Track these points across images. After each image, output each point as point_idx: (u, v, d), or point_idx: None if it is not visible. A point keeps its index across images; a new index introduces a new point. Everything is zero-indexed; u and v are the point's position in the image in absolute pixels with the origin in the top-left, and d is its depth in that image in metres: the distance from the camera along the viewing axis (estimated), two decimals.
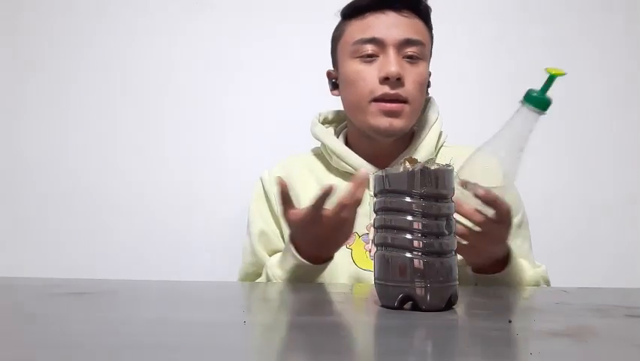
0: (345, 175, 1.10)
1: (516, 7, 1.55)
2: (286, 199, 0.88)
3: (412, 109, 1.05)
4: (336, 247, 0.92)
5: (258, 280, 1.07)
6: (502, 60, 1.53)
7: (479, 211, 0.83)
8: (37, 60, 1.55)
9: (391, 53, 1.03)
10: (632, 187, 1.52)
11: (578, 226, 1.49)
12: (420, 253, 0.64)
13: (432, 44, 1.10)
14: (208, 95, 1.54)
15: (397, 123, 1.04)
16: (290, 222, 0.90)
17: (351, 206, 0.83)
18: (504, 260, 0.92)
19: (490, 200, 0.81)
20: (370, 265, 1.00)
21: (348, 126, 1.16)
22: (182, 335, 0.54)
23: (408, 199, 0.64)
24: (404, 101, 1.03)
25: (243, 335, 0.57)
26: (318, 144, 1.16)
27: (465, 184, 0.82)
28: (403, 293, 0.64)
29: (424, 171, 0.64)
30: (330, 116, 1.18)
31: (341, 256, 1.02)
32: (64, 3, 1.56)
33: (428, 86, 1.11)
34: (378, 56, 1.04)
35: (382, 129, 1.04)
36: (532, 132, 0.82)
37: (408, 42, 1.04)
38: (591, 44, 1.54)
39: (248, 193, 1.17)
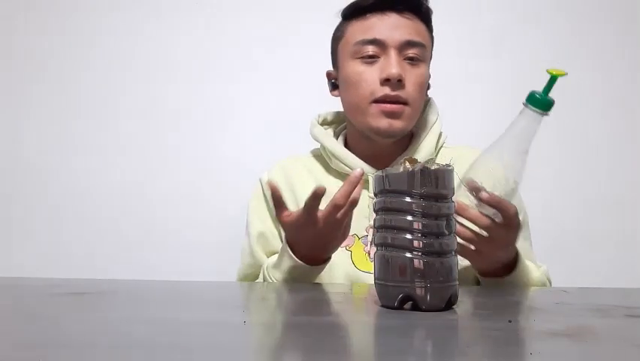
0: (345, 177, 1.09)
1: (516, 8, 1.55)
2: (278, 202, 0.87)
3: (412, 111, 1.05)
4: (333, 248, 0.92)
5: (256, 282, 1.07)
6: (501, 61, 1.54)
7: (485, 216, 0.82)
8: (37, 60, 1.55)
9: (392, 54, 1.03)
10: (632, 187, 1.52)
11: (578, 226, 1.49)
12: (420, 253, 0.64)
13: (432, 46, 1.10)
14: (208, 96, 1.54)
15: (397, 125, 1.04)
16: (284, 225, 0.90)
17: (345, 207, 0.83)
18: (511, 263, 0.91)
19: (494, 204, 0.81)
20: (370, 267, 1.00)
21: (347, 127, 1.15)
22: (182, 335, 0.54)
23: (408, 199, 0.64)
24: (404, 102, 1.03)
25: (242, 335, 0.57)
26: (318, 146, 1.16)
27: (472, 188, 0.81)
28: (403, 293, 0.64)
29: (424, 171, 0.64)
30: (329, 118, 1.18)
31: (340, 258, 1.02)
32: (64, 3, 1.56)
33: (427, 88, 1.11)
34: (379, 57, 1.04)
35: (382, 130, 1.04)
36: (535, 134, 0.82)
37: (409, 44, 1.04)
38: (590, 45, 1.54)
39: (247, 194, 1.17)
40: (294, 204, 1.09)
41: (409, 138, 1.12)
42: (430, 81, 1.10)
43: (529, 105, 0.81)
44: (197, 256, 1.47)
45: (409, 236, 0.64)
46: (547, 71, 0.81)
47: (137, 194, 1.51)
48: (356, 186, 0.83)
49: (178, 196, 1.51)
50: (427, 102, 1.13)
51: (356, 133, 1.11)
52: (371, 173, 1.06)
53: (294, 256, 0.91)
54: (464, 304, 0.71)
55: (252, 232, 1.11)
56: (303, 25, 1.51)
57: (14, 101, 1.55)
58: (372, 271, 0.68)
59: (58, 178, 1.52)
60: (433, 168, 0.64)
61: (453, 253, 0.66)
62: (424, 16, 1.07)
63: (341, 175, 1.10)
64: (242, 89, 1.53)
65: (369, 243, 1.05)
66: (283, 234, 1.04)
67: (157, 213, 1.51)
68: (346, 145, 1.14)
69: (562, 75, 0.81)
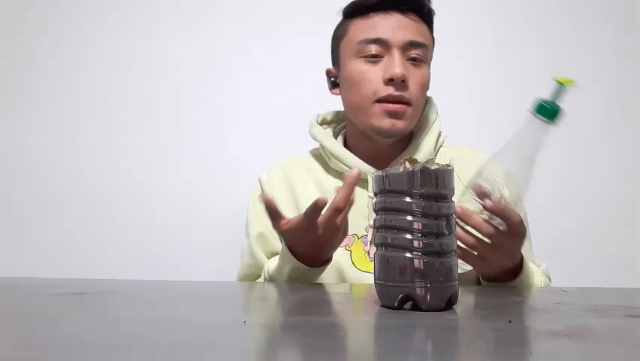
0: (344, 176, 1.09)
1: (516, 9, 1.55)
2: (274, 213, 0.87)
3: (414, 111, 1.05)
4: (333, 248, 0.91)
5: (256, 282, 1.07)
6: (501, 61, 1.54)
7: (489, 223, 0.82)
8: (37, 60, 1.55)
9: (396, 54, 1.02)
10: (632, 187, 1.52)
11: (578, 226, 1.49)
12: (420, 253, 0.63)
13: (433, 48, 1.10)
14: (208, 96, 1.54)
15: (399, 125, 1.04)
16: (283, 233, 0.89)
17: (345, 209, 0.83)
18: (515, 269, 0.91)
19: (498, 211, 0.81)
20: (369, 266, 1.00)
21: (347, 127, 1.15)
22: (182, 335, 0.54)
23: (408, 199, 0.64)
24: (407, 103, 1.03)
25: (242, 335, 0.57)
26: (317, 145, 1.16)
27: (479, 193, 0.81)
28: (403, 293, 0.64)
29: (424, 171, 0.64)
30: (328, 117, 1.18)
31: (340, 257, 1.02)
32: (64, 3, 1.56)
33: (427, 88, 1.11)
34: (382, 57, 1.04)
35: (385, 130, 1.04)
36: (542, 142, 0.81)
37: (412, 44, 1.04)
38: (590, 45, 1.54)
39: (247, 194, 1.17)
40: (294, 204, 1.09)
41: (408, 138, 1.12)
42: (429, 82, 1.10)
43: (536, 114, 0.80)
44: (197, 256, 1.47)
45: (409, 236, 0.64)
46: (555, 79, 0.80)
47: (137, 194, 1.51)
48: (353, 188, 0.83)
49: (178, 196, 1.51)
50: (426, 101, 1.13)
51: (356, 132, 1.11)
52: (370, 173, 1.06)
53: (294, 258, 0.91)
54: (464, 304, 0.71)
55: (251, 232, 1.11)
56: (303, 25, 1.51)
57: (14, 101, 1.55)
58: (372, 271, 0.68)
59: (58, 178, 1.52)
60: (433, 168, 0.64)
61: (453, 253, 0.66)
62: (426, 17, 1.07)
63: (340, 175, 1.10)
64: (242, 89, 1.53)
65: (368, 242, 1.05)
66: None
67: (157, 213, 1.51)
68: (345, 145, 1.14)
69: (569, 84, 0.79)
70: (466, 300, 0.75)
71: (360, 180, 1.06)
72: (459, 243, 0.83)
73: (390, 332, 0.57)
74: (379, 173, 0.67)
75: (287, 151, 1.21)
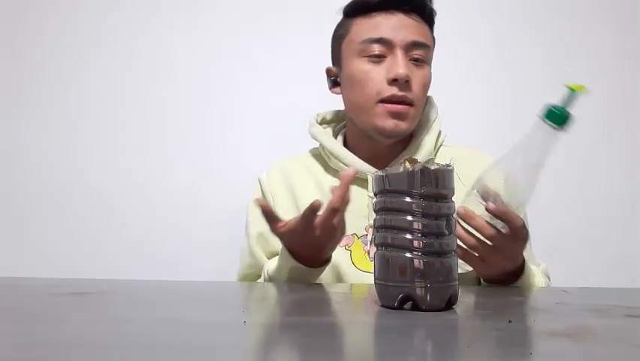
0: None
1: (516, 9, 1.55)
2: (270, 217, 0.86)
3: (416, 112, 1.05)
4: (331, 249, 0.91)
5: (256, 282, 1.07)
6: (501, 61, 1.54)
7: (491, 225, 0.82)
8: (37, 60, 1.55)
9: (399, 54, 1.02)
10: (632, 187, 1.52)
11: (578, 226, 1.49)
12: (420, 253, 0.63)
13: (434, 48, 1.10)
14: (208, 96, 1.54)
15: (403, 125, 1.04)
16: (280, 236, 0.89)
17: (342, 209, 0.82)
18: (517, 271, 0.91)
19: (500, 214, 0.81)
20: (370, 266, 1.00)
21: (347, 126, 1.15)
22: (182, 334, 0.54)
23: (408, 199, 0.64)
24: (410, 103, 1.03)
25: (243, 335, 0.57)
26: (317, 145, 1.16)
27: (484, 194, 0.81)
28: (403, 293, 0.64)
29: (424, 171, 0.64)
30: (328, 117, 1.18)
31: (340, 257, 1.01)
32: (64, 3, 1.56)
33: None
34: (385, 57, 1.03)
35: (388, 131, 1.04)
36: (550, 148, 0.81)
37: (415, 44, 1.04)
38: (590, 45, 1.54)
39: (247, 194, 1.17)
40: (293, 203, 1.09)
41: (408, 137, 1.12)
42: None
43: (545, 119, 0.80)
44: (197, 256, 1.47)
45: (409, 236, 0.64)
46: (567, 85, 0.80)
47: (137, 194, 1.51)
48: (349, 187, 0.82)
49: (178, 196, 1.51)
50: (426, 101, 1.13)
51: (356, 132, 1.11)
52: (370, 172, 1.06)
53: (293, 259, 0.91)
54: (464, 304, 0.71)
55: (251, 232, 1.11)
56: (303, 25, 1.51)
57: (14, 101, 1.55)
58: (372, 271, 0.68)
59: (58, 178, 1.52)
60: (433, 168, 0.64)
61: (453, 253, 0.66)
62: (427, 17, 1.07)
63: (339, 174, 1.09)
64: (242, 89, 1.53)
65: (368, 242, 1.04)
66: None
67: (157, 213, 1.51)
68: (345, 144, 1.13)
69: (581, 90, 0.78)
70: (466, 300, 0.75)
71: (360, 180, 1.07)
72: (460, 243, 0.83)
73: (390, 332, 0.57)
74: (379, 173, 0.67)
75: (287, 151, 1.21)
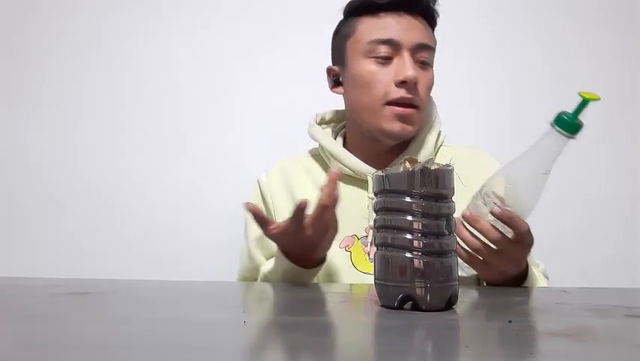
0: (343, 177, 1.08)
1: (516, 9, 1.55)
2: (262, 220, 0.86)
3: (422, 114, 1.06)
4: (325, 249, 0.91)
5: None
6: (501, 61, 1.53)
7: (496, 229, 0.82)
8: (37, 60, 1.55)
9: (406, 56, 1.02)
10: (632, 187, 1.52)
11: (578, 226, 1.49)
12: (420, 253, 0.63)
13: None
14: (208, 96, 1.54)
15: (409, 129, 1.04)
16: (272, 238, 0.89)
17: (331, 207, 0.82)
18: (521, 275, 0.90)
19: (505, 219, 0.81)
20: (370, 267, 1.00)
21: (347, 126, 1.15)
22: (182, 334, 0.54)
23: (408, 199, 0.64)
24: (417, 106, 1.03)
25: (243, 335, 0.57)
26: (317, 145, 1.16)
27: (486, 199, 0.82)
28: (403, 293, 0.64)
29: (424, 171, 0.64)
30: (327, 117, 1.17)
31: (340, 259, 1.01)
32: (64, 3, 1.56)
33: None
34: (392, 58, 1.03)
35: (394, 133, 1.04)
36: (558, 155, 0.81)
37: (421, 46, 1.03)
38: (590, 45, 1.54)
39: (247, 194, 1.17)
40: (293, 205, 1.09)
41: (409, 138, 1.11)
42: None
43: (556, 126, 0.80)
44: (197, 256, 1.47)
45: (409, 236, 0.64)
46: (579, 93, 0.80)
47: (137, 194, 1.51)
48: (336, 184, 0.82)
49: (178, 196, 1.51)
50: None
51: (357, 133, 1.11)
52: (370, 173, 1.05)
53: (287, 260, 0.90)
54: (464, 304, 0.71)
55: (250, 235, 1.10)
56: (303, 25, 1.51)
57: (14, 101, 1.55)
58: (372, 272, 0.68)
59: (58, 178, 1.52)
60: (433, 168, 0.64)
61: (453, 253, 0.66)
62: (432, 20, 1.07)
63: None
64: (242, 89, 1.53)
65: (369, 244, 1.04)
66: None
67: (157, 213, 1.51)
68: (345, 144, 1.13)
69: (594, 99, 0.79)
70: (466, 300, 0.75)
71: (360, 182, 1.07)
72: (465, 246, 0.83)
73: (390, 332, 0.57)
74: (379, 173, 0.67)
75: (287, 151, 1.21)
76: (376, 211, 0.67)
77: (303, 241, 0.86)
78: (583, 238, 1.48)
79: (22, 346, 0.50)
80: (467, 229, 0.83)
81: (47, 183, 1.52)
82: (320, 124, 1.16)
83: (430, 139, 1.10)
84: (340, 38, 1.10)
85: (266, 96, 1.53)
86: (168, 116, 1.53)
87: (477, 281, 0.97)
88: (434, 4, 1.08)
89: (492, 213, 0.81)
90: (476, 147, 1.15)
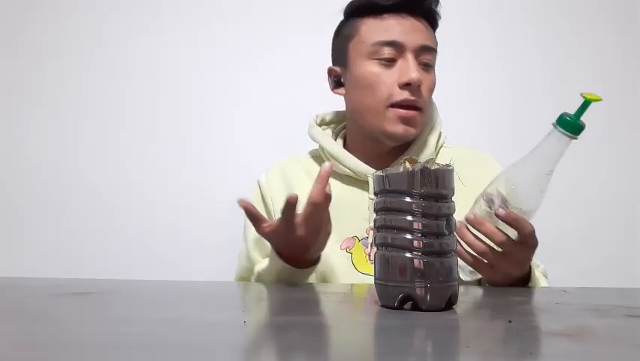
0: (344, 178, 1.09)
1: (516, 9, 1.55)
2: (255, 218, 0.86)
3: (424, 117, 1.06)
4: (318, 249, 0.90)
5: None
6: (501, 61, 1.53)
7: (501, 231, 0.82)
8: (37, 60, 1.55)
9: (410, 58, 1.02)
10: (632, 187, 1.52)
11: (578, 226, 1.49)
12: (420, 253, 0.63)
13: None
14: (208, 96, 1.54)
15: (411, 131, 1.04)
16: (265, 236, 0.89)
17: (322, 204, 0.81)
18: (524, 277, 0.90)
19: (510, 221, 0.81)
20: (370, 269, 1.00)
21: (348, 127, 1.14)
22: (182, 334, 0.54)
23: (408, 199, 0.64)
24: (420, 108, 1.03)
25: (243, 335, 0.57)
26: (317, 146, 1.15)
27: (490, 202, 0.82)
28: (403, 293, 0.64)
29: (424, 171, 0.64)
30: (327, 118, 1.17)
31: (341, 260, 1.01)
32: (64, 3, 1.56)
33: None
34: (395, 60, 1.03)
35: (398, 136, 1.03)
36: (561, 156, 0.81)
37: (424, 49, 1.03)
38: (590, 45, 1.54)
39: (247, 194, 1.17)
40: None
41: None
42: None
43: (559, 127, 0.80)
44: (197, 256, 1.47)
45: (409, 236, 0.64)
46: (582, 94, 0.80)
47: (137, 194, 1.51)
48: (327, 181, 0.81)
49: (178, 196, 1.51)
50: None
51: (358, 134, 1.10)
52: (370, 174, 1.05)
53: (280, 260, 0.90)
54: (464, 304, 0.71)
55: (249, 236, 1.10)
56: (303, 25, 1.51)
57: (14, 101, 1.55)
58: (373, 274, 0.68)
59: (58, 178, 1.52)
60: (433, 168, 0.64)
61: (453, 253, 0.66)
62: (433, 21, 1.07)
63: (339, 176, 1.08)
64: (242, 89, 1.53)
65: (369, 245, 1.04)
66: None
67: (157, 213, 1.51)
68: (345, 145, 1.13)
69: (596, 100, 0.79)
70: (466, 300, 0.75)
71: (361, 182, 1.07)
72: (469, 250, 0.83)
73: (390, 332, 0.57)
74: (379, 173, 0.67)
75: (287, 151, 1.21)
76: (376, 211, 0.67)
77: (295, 242, 0.86)
78: (583, 238, 1.48)
79: (22, 346, 0.50)
80: (471, 232, 0.83)
81: (47, 183, 1.52)
82: (320, 125, 1.16)
83: (431, 140, 1.10)
84: (342, 39, 1.09)
85: (266, 96, 1.53)
86: (168, 116, 1.53)
87: (477, 281, 0.97)
88: (436, 5, 1.07)
89: (497, 215, 0.81)
90: (476, 147, 1.15)
